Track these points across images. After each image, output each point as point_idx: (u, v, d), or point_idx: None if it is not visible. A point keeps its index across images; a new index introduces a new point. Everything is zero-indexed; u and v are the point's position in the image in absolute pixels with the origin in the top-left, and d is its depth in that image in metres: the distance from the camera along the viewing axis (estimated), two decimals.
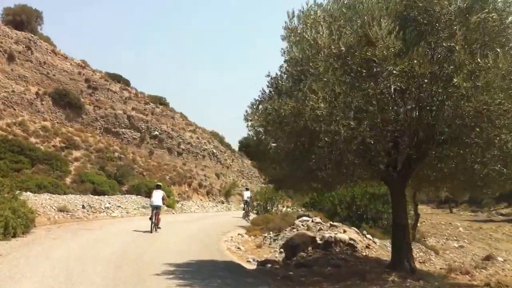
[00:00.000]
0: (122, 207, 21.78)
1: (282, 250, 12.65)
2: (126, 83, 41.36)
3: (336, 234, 12.32)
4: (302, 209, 22.63)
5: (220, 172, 38.83)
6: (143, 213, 21.47)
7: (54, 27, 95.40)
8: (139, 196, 25.20)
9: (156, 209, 15.27)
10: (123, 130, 34.62)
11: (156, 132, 36.47)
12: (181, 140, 38.31)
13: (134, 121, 35.47)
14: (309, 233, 12.68)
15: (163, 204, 16.28)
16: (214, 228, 18.56)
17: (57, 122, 30.48)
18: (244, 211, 25.01)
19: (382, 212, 17.44)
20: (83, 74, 35.57)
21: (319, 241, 11.67)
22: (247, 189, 28.34)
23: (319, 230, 13.43)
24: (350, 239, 12.14)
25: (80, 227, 15.11)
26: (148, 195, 26.53)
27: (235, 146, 50.73)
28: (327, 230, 13.19)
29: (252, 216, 23.26)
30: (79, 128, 31.41)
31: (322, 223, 14.59)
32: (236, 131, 66.73)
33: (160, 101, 43.64)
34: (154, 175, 31.00)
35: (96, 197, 21.90)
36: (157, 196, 15.56)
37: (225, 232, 17.40)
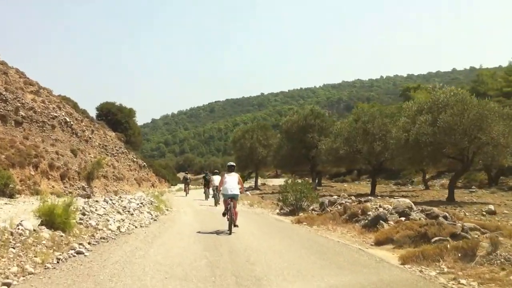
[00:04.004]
0: None
1: None
2: None
3: None
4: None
5: (77, 147, 30.17)
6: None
7: None
8: None
9: (232, 199, 10.93)
10: None
11: None
12: (19, 105, 28.37)
13: None
14: None
15: (240, 192, 11.65)
16: None
17: None
18: (214, 200, 21.92)
19: None
20: None
21: None
22: (216, 173, 24.05)
23: None
24: None
25: None
26: None
27: (93, 114, 41.48)
28: None
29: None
30: None
31: None
32: (90, 96, 55.88)
33: None
34: None
35: None
36: (232, 181, 11.15)
37: None
